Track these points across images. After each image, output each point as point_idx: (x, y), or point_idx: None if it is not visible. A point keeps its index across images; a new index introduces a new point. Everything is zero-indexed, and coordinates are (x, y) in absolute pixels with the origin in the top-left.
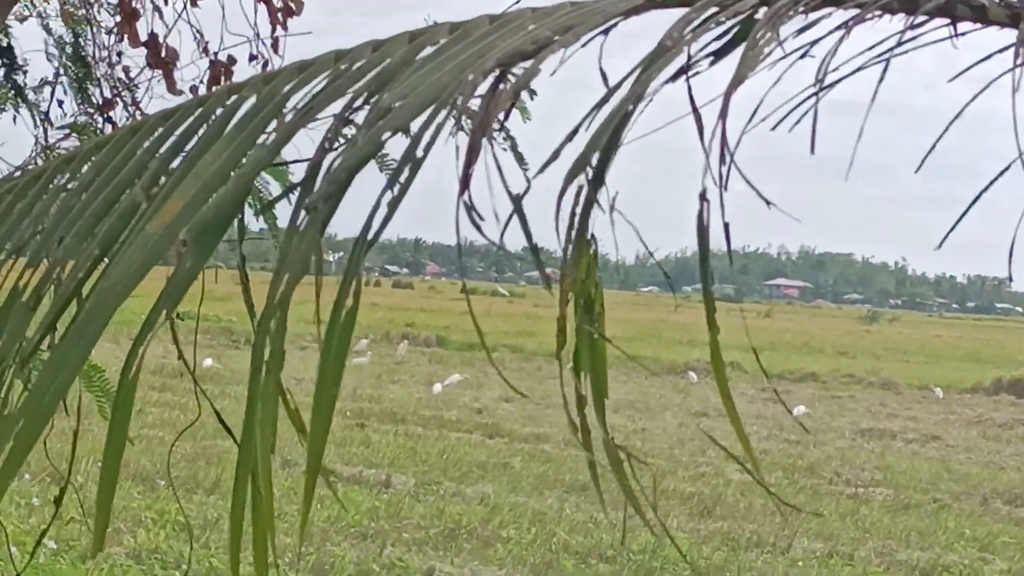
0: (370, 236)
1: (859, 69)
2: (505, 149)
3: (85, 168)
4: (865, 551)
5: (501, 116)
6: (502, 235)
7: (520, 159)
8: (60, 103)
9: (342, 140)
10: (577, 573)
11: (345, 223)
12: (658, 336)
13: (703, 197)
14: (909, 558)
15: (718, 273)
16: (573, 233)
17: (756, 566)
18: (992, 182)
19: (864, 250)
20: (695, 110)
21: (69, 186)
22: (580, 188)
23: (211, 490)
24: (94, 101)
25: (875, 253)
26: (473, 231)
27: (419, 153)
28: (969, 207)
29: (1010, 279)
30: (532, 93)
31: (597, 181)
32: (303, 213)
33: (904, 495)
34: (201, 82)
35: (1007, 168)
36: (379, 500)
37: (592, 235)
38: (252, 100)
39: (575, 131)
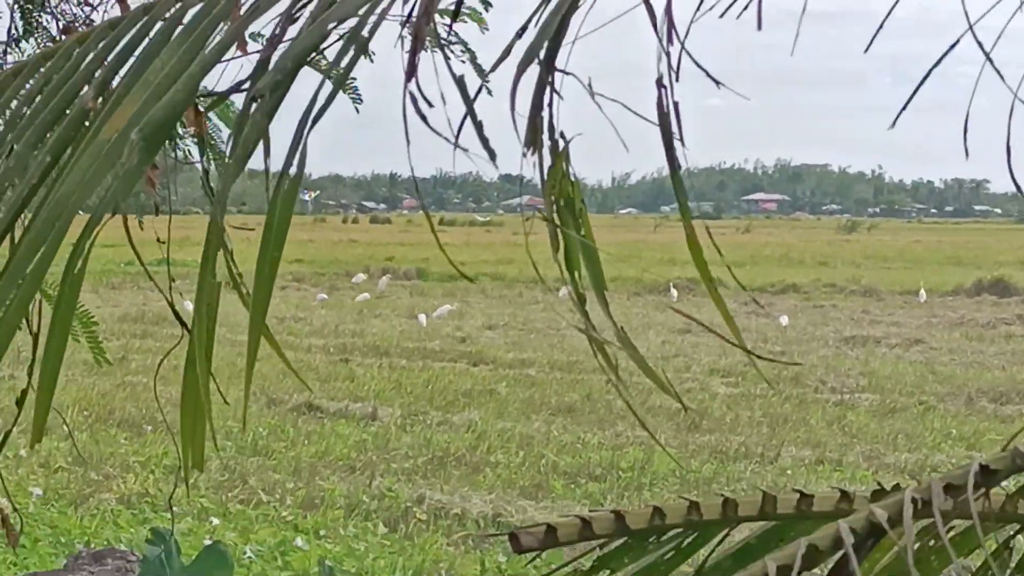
0: (315, 111)
1: None
2: (464, 62)
3: (33, 80)
4: (853, 456)
5: (452, 23)
6: (458, 132)
7: (480, 71)
8: (16, 41)
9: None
10: (567, 493)
11: (319, 163)
12: (639, 257)
13: (659, 83)
14: (897, 460)
15: (696, 191)
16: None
17: (745, 476)
18: (919, 86)
19: (840, 160)
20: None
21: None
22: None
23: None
24: (51, 33)
25: (851, 163)
26: (450, 162)
27: (364, 34)
28: (901, 111)
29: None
30: (488, 4)
31: (548, 66)
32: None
33: (890, 399)
34: None
35: (930, 71)
36: (366, 433)
37: (561, 132)
38: (198, 6)
39: (522, 31)
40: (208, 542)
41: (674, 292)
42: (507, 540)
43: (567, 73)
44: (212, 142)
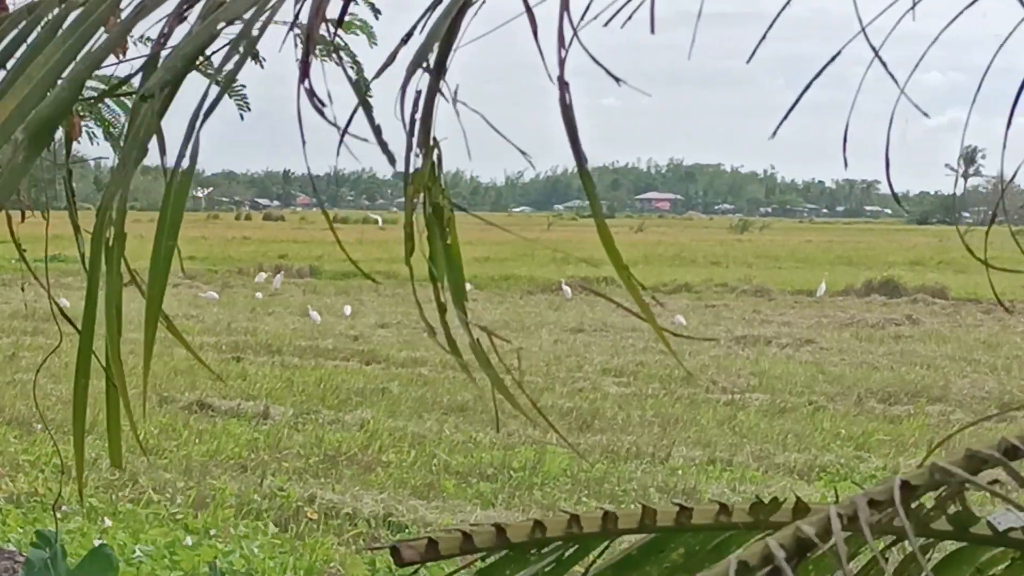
0: (205, 108)
1: None
2: (352, 70)
3: None
4: (743, 456)
5: (338, 26)
6: (346, 126)
7: (365, 81)
8: None
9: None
10: (458, 493)
11: (212, 160)
12: (531, 256)
13: (561, 80)
14: (787, 460)
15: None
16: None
17: (636, 476)
18: (803, 92)
19: (732, 160)
20: (527, 6)
21: None
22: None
23: (88, 431)
24: None
25: (743, 162)
26: (344, 160)
27: (254, 32)
28: (787, 113)
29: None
30: (377, 12)
31: (438, 71)
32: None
33: (780, 399)
34: None
35: (816, 76)
36: (258, 431)
37: (434, 138)
38: (82, 7)
39: (410, 34)
40: (98, 542)
41: (567, 291)
42: (387, 547)
43: (444, 95)
44: (112, 131)
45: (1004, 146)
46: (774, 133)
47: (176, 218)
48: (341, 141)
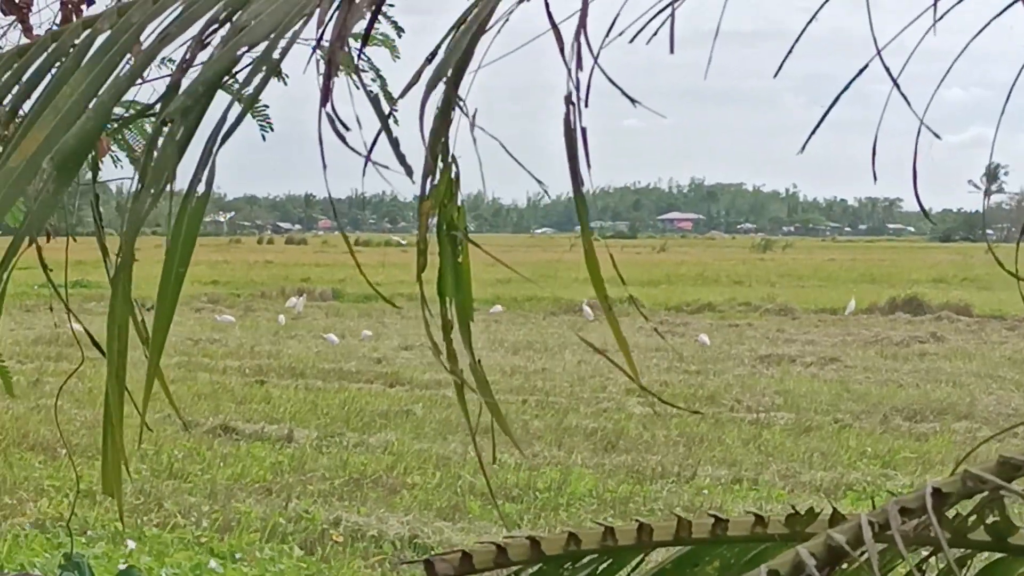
0: (224, 131)
1: None
2: (374, 90)
3: None
4: (769, 475)
5: (362, 48)
6: (371, 149)
7: (389, 97)
8: None
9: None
10: (484, 514)
11: (234, 184)
12: (554, 276)
13: (568, 100)
14: (813, 479)
15: (611, 211)
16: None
17: (662, 496)
18: (827, 111)
19: (754, 179)
20: (552, 22)
21: None
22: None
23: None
24: None
25: (766, 181)
26: (366, 183)
27: (275, 56)
28: (814, 131)
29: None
30: (400, 30)
31: (454, 83)
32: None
33: (805, 418)
34: (55, 24)
35: (839, 96)
36: (282, 454)
37: (453, 156)
38: (107, 33)
39: (435, 52)
40: (123, 566)
41: (588, 311)
42: (421, 561)
43: (463, 109)
44: (135, 155)
45: None
46: (803, 148)
47: (189, 244)
48: (366, 165)
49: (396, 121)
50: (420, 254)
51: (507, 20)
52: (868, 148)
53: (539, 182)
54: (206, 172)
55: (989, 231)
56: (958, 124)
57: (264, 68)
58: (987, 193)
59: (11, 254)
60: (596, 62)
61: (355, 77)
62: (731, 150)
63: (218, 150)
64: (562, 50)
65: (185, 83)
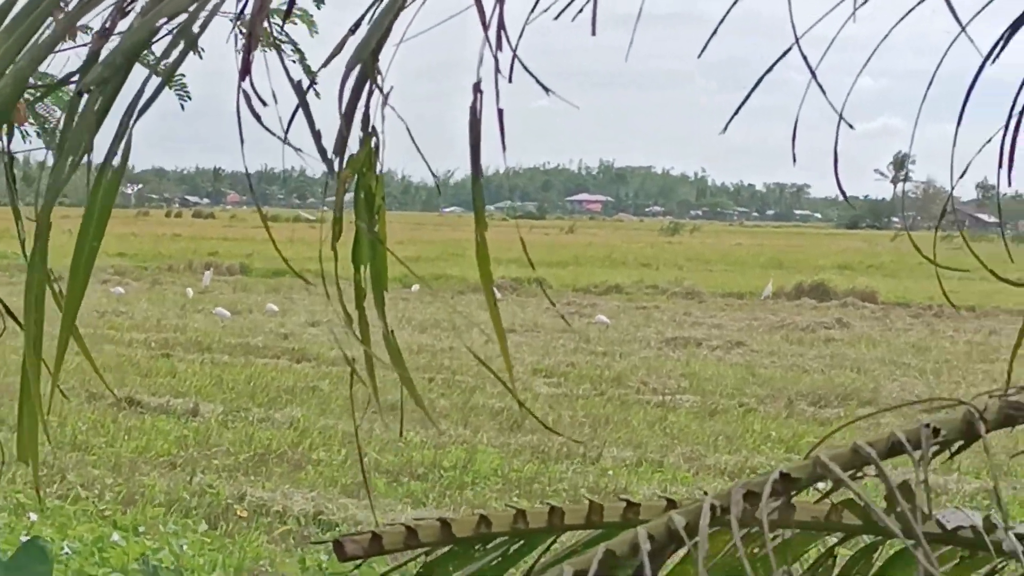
0: (140, 105)
1: None
2: (295, 61)
3: None
4: (674, 457)
5: (284, 22)
6: (287, 128)
7: (308, 70)
8: None
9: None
10: (389, 492)
11: (142, 156)
12: (461, 255)
13: (476, 88)
14: (717, 462)
15: (520, 191)
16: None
17: (567, 477)
18: (747, 97)
19: (664, 162)
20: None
21: None
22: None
23: (15, 427)
24: None
25: (675, 165)
26: (275, 158)
27: (195, 29)
28: (732, 116)
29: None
30: (320, 2)
31: (373, 57)
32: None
33: (711, 401)
34: None
35: (756, 84)
36: (187, 428)
37: (372, 127)
38: None
39: (356, 25)
40: (25, 538)
41: (497, 292)
42: (330, 541)
43: (379, 87)
44: (46, 127)
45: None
46: (724, 129)
47: (103, 218)
48: (284, 144)
49: (318, 95)
50: (335, 222)
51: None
52: (778, 134)
53: (435, 176)
54: (122, 145)
55: (895, 219)
56: (867, 113)
57: (183, 41)
58: (894, 181)
59: None
60: (515, 53)
61: (275, 51)
62: (641, 133)
63: (135, 123)
64: (485, 28)
65: (105, 53)
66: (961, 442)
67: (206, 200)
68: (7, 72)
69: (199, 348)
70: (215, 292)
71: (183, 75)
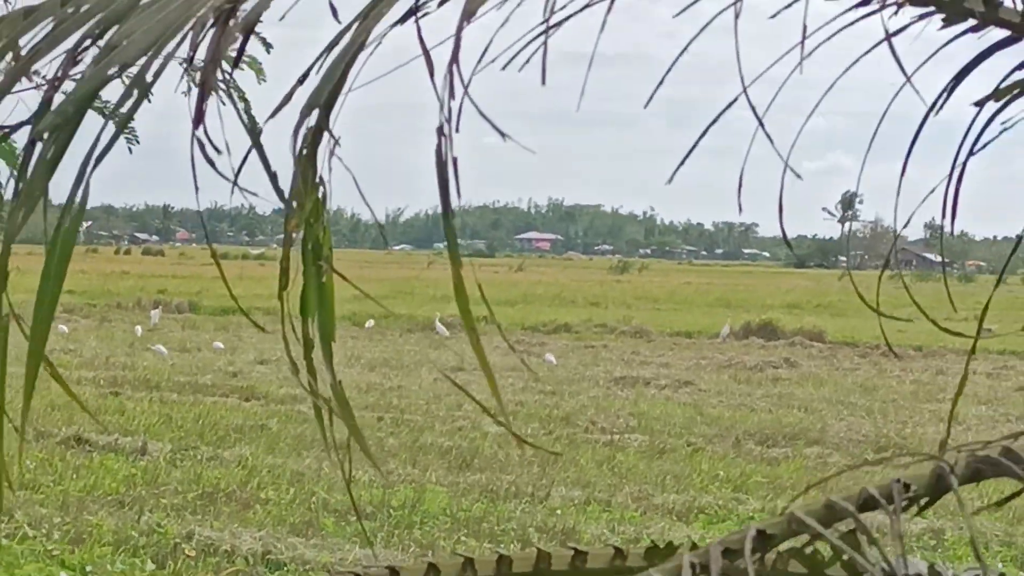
0: (96, 154)
1: (587, 6)
2: (238, 107)
3: None
4: (622, 496)
5: (233, 70)
6: (237, 173)
7: (252, 120)
8: None
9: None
10: (337, 531)
11: (92, 193)
12: (411, 293)
13: (440, 131)
14: (665, 501)
15: (470, 229)
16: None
17: (515, 516)
18: (700, 137)
19: (613, 201)
20: (424, 50)
21: None
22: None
23: None
24: None
25: (623, 203)
26: (225, 196)
27: (149, 78)
28: (683, 160)
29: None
30: (268, 46)
31: (326, 111)
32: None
33: (659, 440)
34: None
35: (708, 128)
36: (135, 467)
37: (320, 177)
38: None
39: (306, 74)
40: None
41: (442, 329)
42: None
43: (333, 139)
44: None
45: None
46: (670, 179)
47: (63, 262)
48: (233, 189)
49: (259, 146)
50: (283, 272)
51: (379, 43)
52: (726, 173)
53: (379, 224)
54: (79, 194)
55: (842, 258)
56: (816, 151)
57: (137, 91)
58: (841, 220)
59: None
60: (466, 92)
61: (224, 98)
62: (590, 171)
63: (91, 172)
64: (433, 79)
65: (58, 99)
66: (927, 498)
67: (155, 237)
68: None
69: (148, 386)
70: (164, 330)
71: (132, 117)
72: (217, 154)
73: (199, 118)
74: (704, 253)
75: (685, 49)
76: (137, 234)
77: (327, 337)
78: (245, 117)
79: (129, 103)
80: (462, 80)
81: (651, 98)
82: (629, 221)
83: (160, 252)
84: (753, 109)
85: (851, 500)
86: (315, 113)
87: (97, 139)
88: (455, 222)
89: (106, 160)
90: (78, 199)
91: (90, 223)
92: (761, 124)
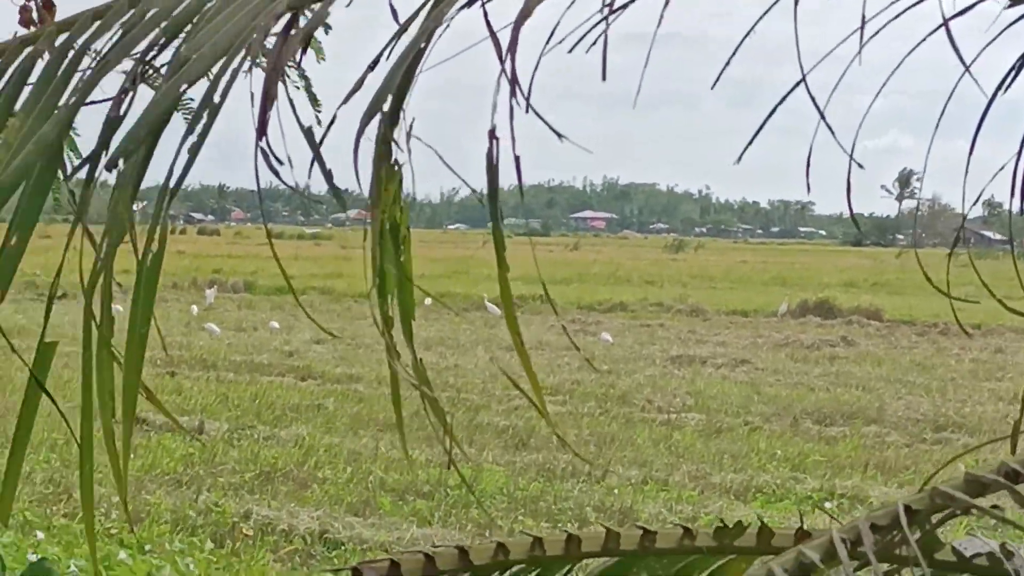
0: (172, 183)
1: None
2: (299, 87)
3: None
4: (679, 475)
5: (296, 57)
6: (308, 175)
7: (314, 99)
8: None
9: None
10: (394, 510)
11: (145, 174)
12: (466, 273)
13: (492, 135)
14: (723, 480)
15: (524, 208)
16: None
17: (572, 495)
18: (768, 117)
19: (668, 179)
20: (493, 35)
21: None
22: (381, 121)
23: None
24: None
25: (679, 182)
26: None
27: (216, 99)
28: (751, 141)
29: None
30: (327, 28)
31: (395, 112)
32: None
33: (716, 419)
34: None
35: (777, 106)
36: (193, 447)
37: (395, 160)
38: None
39: (374, 63)
40: (32, 556)
41: (494, 308)
42: (338, 561)
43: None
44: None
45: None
46: (739, 159)
47: (149, 302)
48: (298, 194)
49: (318, 121)
50: (372, 262)
51: (448, 27)
52: (782, 152)
53: (473, 189)
54: (159, 226)
55: (899, 236)
56: (875, 130)
57: (207, 112)
58: (899, 198)
59: None
60: (528, 102)
61: (288, 88)
62: (645, 150)
63: (169, 205)
64: (503, 62)
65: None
66: None
67: (211, 217)
68: (32, 142)
69: (204, 366)
70: (219, 309)
71: (191, 99)
72: (280, 165)
73: (262, 128)
74: (760, 232)
75: (751, 30)
76: (192, 214)
77: (407, 316)
78: (303, 120)
79: (199, 128)
80: (521, 91)
81: (718, 79)
82: (684, 200)
83: (215, 232)
84: (813, 100)
85: (993, 474)
86: (389, 99)
87: (171, 168)
88: (509, 200)
89: (161, 140)
90: (158, 231)
91: (145, 203)
92: (821, 115)
